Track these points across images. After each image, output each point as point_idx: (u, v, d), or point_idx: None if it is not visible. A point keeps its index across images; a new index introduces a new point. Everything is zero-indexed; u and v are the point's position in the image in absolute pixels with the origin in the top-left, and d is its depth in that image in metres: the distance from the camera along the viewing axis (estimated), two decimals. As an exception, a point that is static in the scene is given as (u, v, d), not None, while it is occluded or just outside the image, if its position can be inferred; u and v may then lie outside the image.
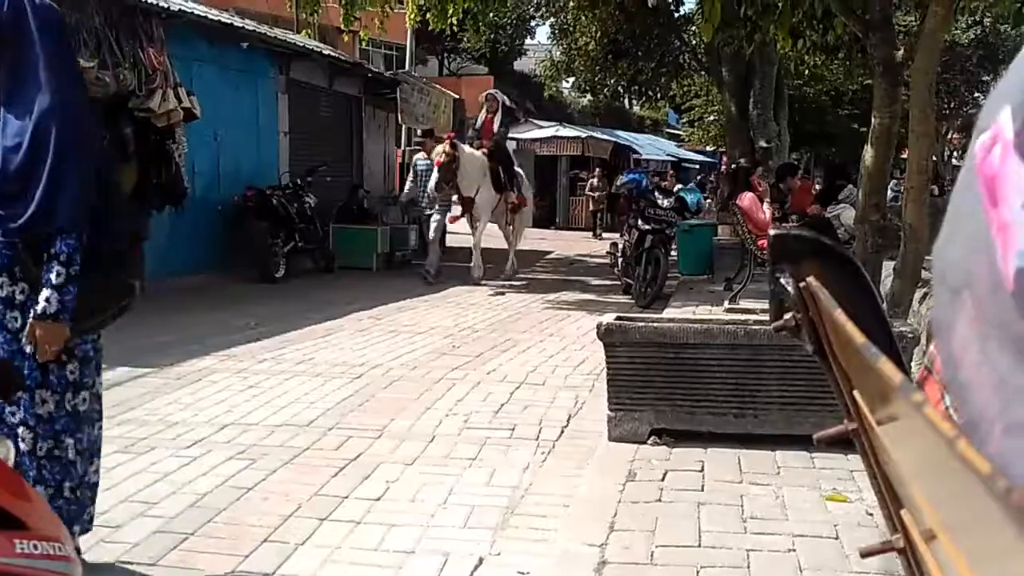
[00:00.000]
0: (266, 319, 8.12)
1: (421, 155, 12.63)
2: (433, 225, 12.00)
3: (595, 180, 23.51)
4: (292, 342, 7.09)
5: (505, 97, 12.68)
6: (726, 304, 8.55)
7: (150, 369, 5.92)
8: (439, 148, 11.11)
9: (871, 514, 3.28)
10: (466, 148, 11.40)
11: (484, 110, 12.25)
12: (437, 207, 11.79)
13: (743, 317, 5.55)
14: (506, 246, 12.55)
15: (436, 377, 5.90)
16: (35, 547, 1.02)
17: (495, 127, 12.00)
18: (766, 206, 9.14)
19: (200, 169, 10.92)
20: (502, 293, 10.80)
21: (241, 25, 11.98)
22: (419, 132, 13.03)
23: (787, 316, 1.11)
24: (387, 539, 3.19)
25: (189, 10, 10.65)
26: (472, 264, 11.56)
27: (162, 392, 5.36)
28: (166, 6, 9.92)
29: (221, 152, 11.44)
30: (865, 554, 1.08)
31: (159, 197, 10.04)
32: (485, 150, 11.66)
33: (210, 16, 11.10)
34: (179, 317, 8.25)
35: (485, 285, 11.26)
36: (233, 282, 10.60)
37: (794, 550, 3.00)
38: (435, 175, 10.95)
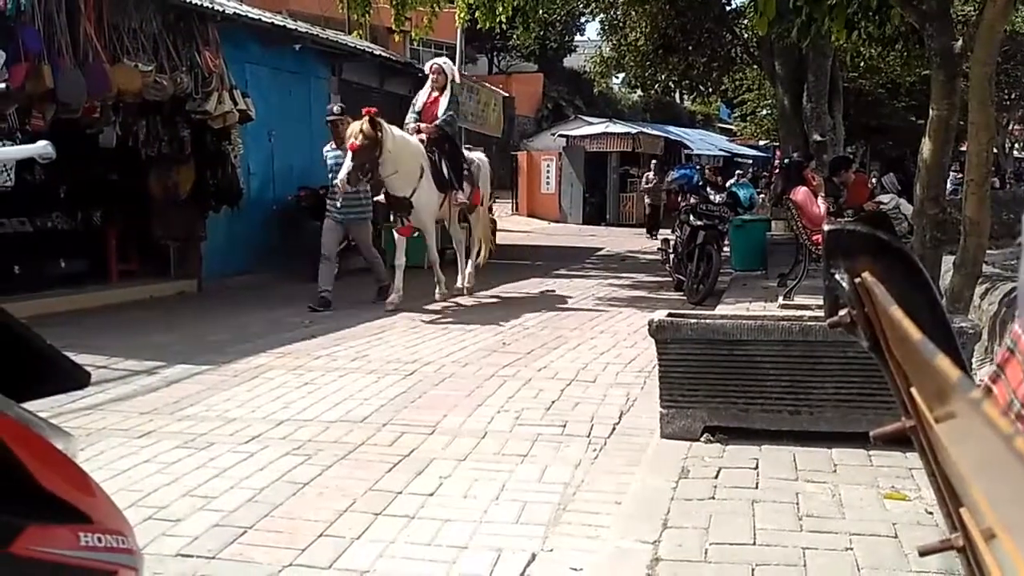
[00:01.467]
0: (320, 317, 8.23)
1: (330, 146, 9.40)
2: (327, 233, 9.06)
3: (650, 174, 21.95)
4: (345, 339, 7.17)
5: (455, 70, 9.84)
6: (780, 300, 8.45)
7: (208, 366, 6.04)
8: (353, 127, 8.23)
9: (930, 512, 3.22)
10: (395, 130, 8.56)
11: (428, 85, 9.42)
12: (340, 206, 8.96)
13: (798, 313, 5.48)
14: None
15: (487, 374, 5.92)
16: (99, 540, 1.05)
17: (440, 109, 9.20)
18: (820, 200, 8.99)
19: (255, 170, 11.12)
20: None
21: (294, 27, 12.16)
22: (333, 111, 9.48)
23: (842, 312, 1.11)
24: (441, 534, 3.22)
25: (243, 13, 10.83)
26: (440, 278, 9.48)
27: (220, 389, 5.47)
28: (221, 10, 10.11)
29: (275, 153, 11.62)
30: (924, 553, 1.07)
31: (216, 198, 10.24)
32: (425, 136, 8.97)
33: (263, 19, 11.29)
34: (235, 315, 8.41)
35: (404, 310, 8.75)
36: (287, 281, 10.76)
37: (851, 549, 2.96)
38: (347, 162, 8.17)
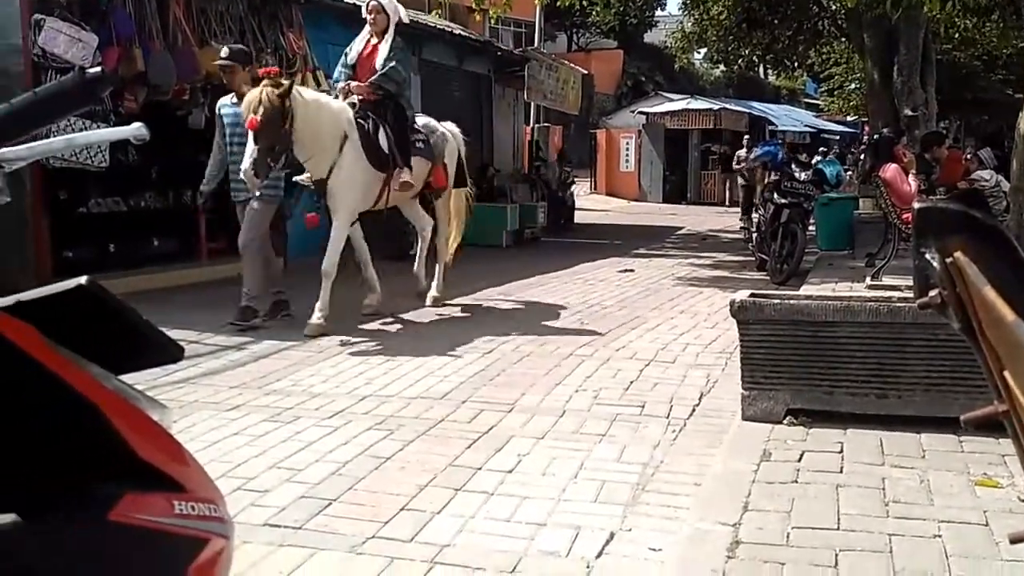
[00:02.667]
0: (399, 295, 8.35)
1: (228, 99, 6.91)
2: (246, 223, 6.80)
3: (743, 152, 18.63)
4: (425, 317, 7.26)
5: (400, 7, 7.31)
6: (868, 280, 8.22)
7: (294, 342, 6.20)
8: (251, 95, 6.14)
9: (1024, 501, 3.12)
10: (306, 93, 6.65)
11: (365, 29, 7.19)
12: (261, 191, 6.61)
13: (886, 294, 5.32)
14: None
15: (565, 353, 5.93)
16: (192, 508, 1.09)
17: (378, 60, 6.96)
18: (911, 178, 8.71)
19: (337, 150, 11.25)
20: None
21: (375, 8, 12.24)
22: (221, 55, 7.02)
23: (933, 293, 1.08)
24: (519, 511, 3.25)
25: (324, -6, 10.97)
26: (322, 299, 6.68)
27: (305, 364, 5.60)
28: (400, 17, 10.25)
29: (357, 133, 11.75)
30: (1015, 540, 1.04)
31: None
32: (357, 98, 6.89)
33: (344, 0, 11.41)
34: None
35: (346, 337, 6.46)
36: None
37: (940, 536, 2.88)
38: (250, 146, 6.15)
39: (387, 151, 6.87)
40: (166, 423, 1.14)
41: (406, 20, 7.48)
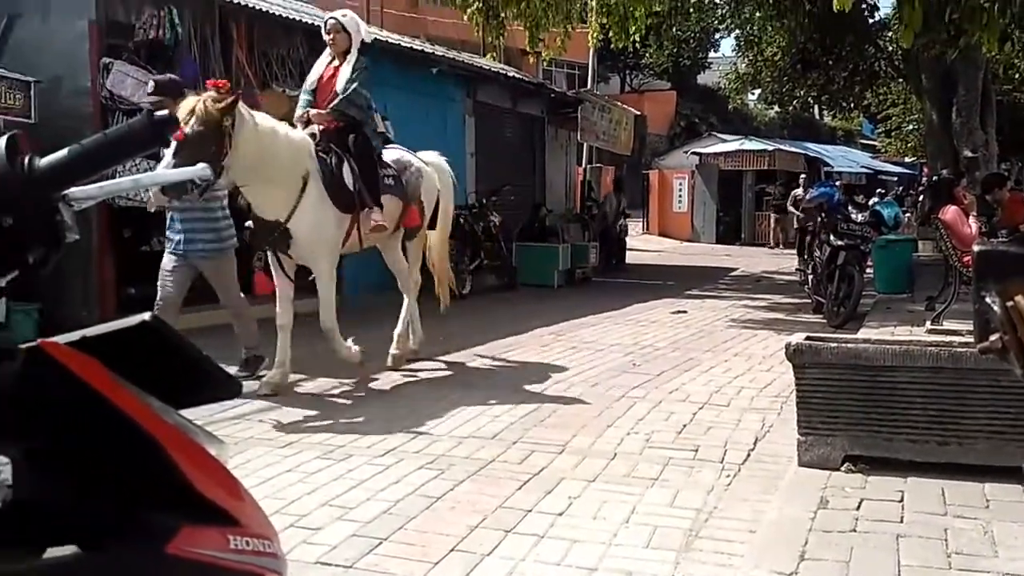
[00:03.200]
0: (452, 334, 8.37)
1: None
2: (164, 274, 5.96)
3: (799, 191, 18.51)
4: (478, 356, 7.27)
5: (362, 25, 6.78)
6: (928, 324, 8.04)
7: (348, 380, 6.24)
8: (186, 104, 5.22)
9: (1097, 556, 2.99)
10: (261, 118, 5.62)
11: (326, 52, 6.49)
12: (180, 229, 5.94)
13: (947, 339, 5.20)
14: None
15: (616, 395, 5.88)
16: (247, 543, 1.09)
17: (339, 83, 6.22)
18: (972, 220, 8.54)
19: (392, 190, 11.42)
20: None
21: (431, 51, 12.51)
22: (146, 91, 6.39)
23: (993, 337, 1.05)
24: (570, 555, 3.22)
25: (384, 39, 11.22)
26: (341, 347, 6.24)
27: (357, 403, 5.64)
28: (363, 37, 10.50)
29: (412, 174, 11.92)
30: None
31: (355, 217, 10.56)
32: (319, 126, 6.15)
33: (403, 44, 11.67)
34: (374, 330, 8.65)
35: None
36: (421, 299, 10.98)
37: (1006, 590, 2.77)
38: (166, 159, 5.08)
39: (352, 189, 6.07)
40: (223, 458, 1.16)
41: (368, 40, 6.73)
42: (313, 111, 6.22)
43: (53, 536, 0.93)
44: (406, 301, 7.08)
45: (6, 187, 0.99)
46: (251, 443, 4.64)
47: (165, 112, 1.13)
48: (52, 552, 0.92)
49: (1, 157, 1.00)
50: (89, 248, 7.80)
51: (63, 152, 1.06)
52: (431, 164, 7.14)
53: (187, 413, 1.17)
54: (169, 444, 1.03)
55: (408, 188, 6.65)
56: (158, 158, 5.03)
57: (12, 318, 5.89)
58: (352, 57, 6.32)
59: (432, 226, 7.19)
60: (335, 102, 6.17)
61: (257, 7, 8.92)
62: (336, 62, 6.37)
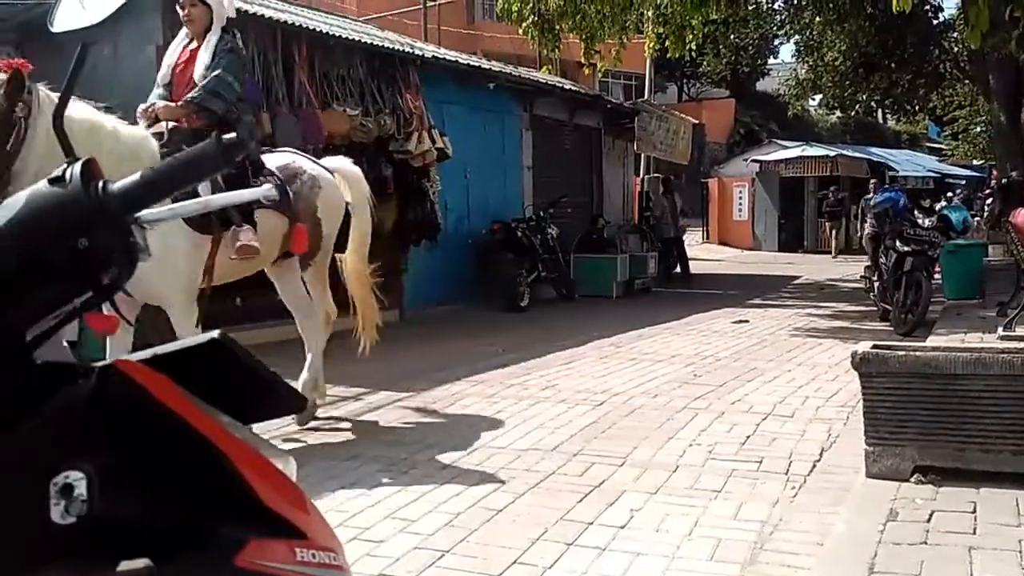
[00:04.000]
0: (512, 347, 8.39)
1: None
2: None
3: (871, 196, 17.70)
4: (536, 369, 7.28)
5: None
6: (1000, 331, 7.79)
7: (408, 394, 6.31)
8: None
9: None
10: (80, 105, 4.27)
11: (182, 32, 5.28)
12: None
13: (1020, 345, 5.04)
14: None
15: (678, 406, 5.83)
16: (313, 556, 1.11)
17: (197, 71, 5.00)
18: (1045, 222, 8.28)
19: (451, 205, 11.54)
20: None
21: (488, 67, 12.59)
22: None
23: (1068, 346, 1.02)
24: (632, 568, 3.19)
25: (442, 56, 11.34)
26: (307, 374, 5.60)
27: (418, 416, 5.69)
28: (421, 54, 10.64)
29: (470, 188, 12.04)
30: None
31: (416, 232, 10.71)
32: (166, 124, 4.88)
33: (460, 60, 11.77)
34: (433, 344, 8.73)
35: None
36: (481, 311, 11.07)
37: (1088, 607, 2.68)
38: None
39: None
40: (289, 472, 1.18)
41: (232, 13, 5.25)
42: (160, 104, 4.95)
43: (126, 550, 0.96)
44: (309, 345, 5.78)
45: (82, 210, 1.03)
46: (315, 457, 4.71)
47: (233, 135, 1.16)
48: (125, 565, 0.95)
49: (76, 182, 1.04)
50: (158, 267, 8.00)
51: (135, 176, 1.10)
52: (339, 171, 5.81)
53: (255, 428, 1.20)
54: (238, 459, 1.05)
55: (298, 201, 5.28)
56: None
57: (84, 335, 6.07)
58: (213, 37, 5.04)
59: (342, 249, 5.89)
60: (191, 94, 4.89)
61: (318, 29, 9.09)
62: (192, 45, 5.13)
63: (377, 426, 5.41)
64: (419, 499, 3.99)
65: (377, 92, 9.92)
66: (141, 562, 0.96)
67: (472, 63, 12.26)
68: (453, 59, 11.72)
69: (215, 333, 1.08)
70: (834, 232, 23.56)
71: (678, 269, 16.43)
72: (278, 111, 8.73)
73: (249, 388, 1.14)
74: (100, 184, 1.09)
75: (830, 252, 23.44)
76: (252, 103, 8.48)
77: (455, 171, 11.39)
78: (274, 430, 4.82)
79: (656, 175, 18.39)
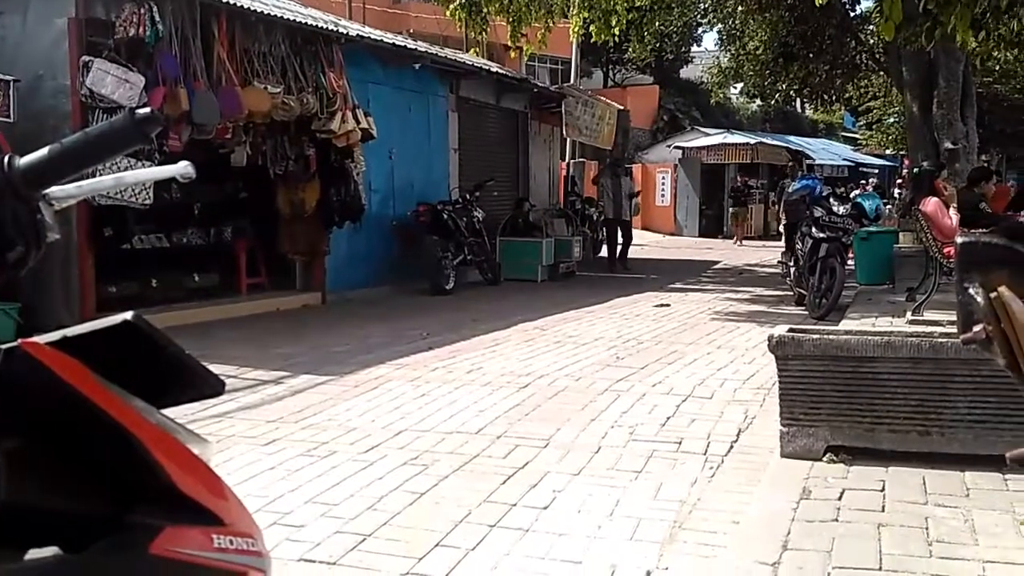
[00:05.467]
0: (437, 330, 8.37)
1: None
2: None
3: (790, 184, 18.31)
4: (461, 352, 7.27)
5: None
6: (909, 315, 8.10)
7: (330, 377, 6.23)
8: None
9: (1076, 544, 3.03)
10: None
11: None
12: None
13: (928, 329, 5.24)
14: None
15: (600, 388, 5.90)
16: (231, 542, 1.09)
17: None
18: (952, 211, 8.60)
19: (376, 186, 11.42)
20: (666, 304, 10.18)
21: (414, 47, 12.46)
22: None
23: (976, 328, 1.06)
24: (555, 548, 3.22)
25: (366, 35, 11.18)
26: None
27: (341, 399, 5.63)
28: (345, 32, 10.46)
29: (395, 170, 11.92)
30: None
31: (339, 214, 10.57)
32: None
33: (385, 40, 11.62)
34: (356, 327, 8.65)
35: None
36: (406, 294, 11.00)
37: (986, 578, 2.81)
38: None
39: None
40: (206, 457, 1.15)
41: None
42: None
43: (34, 538, 0.92)
44: None
45: None
46: (234, 441, 4.62)
47: (147, 109, 1.12)
48: (33, 554, 0.91)
49: None
50: (69, 247, 7.74)
51: (43, 151, 1.05)
52: None
53: (170, 412, 1.17)
54: (152, 444, 1.02)
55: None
56: (138, 155, 4.63)
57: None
58: None
59: None
60: None
61: (238, 3, 8.85)
62: None
63: (298, 410, 5.33)
64: (341, 483, 3.95)
65: (300, 70, 9.73)
66: (50, 551, 0.92)
67: (397, 42, 12.10)
68: (378, 38, 11.56)
69: (128, 315, 1.05)
70: (738, 218, 24.10)
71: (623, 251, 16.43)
72: (196, 87, 8.49)
73: (165, 371, 1.11)
74: (6, 158, 1.04)
75: (750, 238, 23.97)
76: (170, 78, 8.26)
77: (380, 152, 11.27)
78: (191, 415, 4.71)
79: (582, 159, 18.52)
